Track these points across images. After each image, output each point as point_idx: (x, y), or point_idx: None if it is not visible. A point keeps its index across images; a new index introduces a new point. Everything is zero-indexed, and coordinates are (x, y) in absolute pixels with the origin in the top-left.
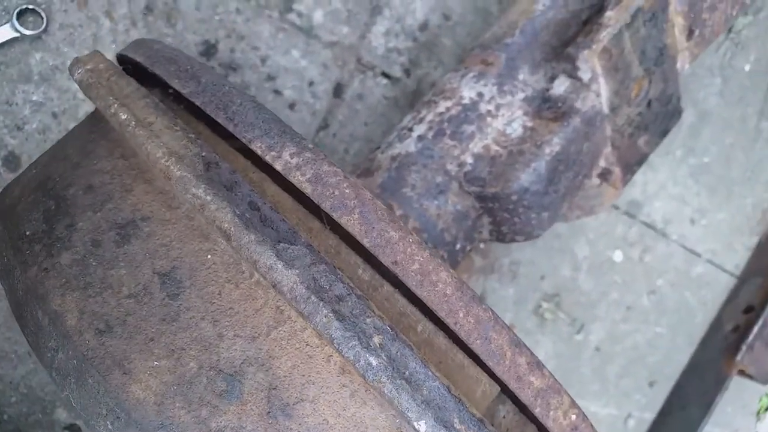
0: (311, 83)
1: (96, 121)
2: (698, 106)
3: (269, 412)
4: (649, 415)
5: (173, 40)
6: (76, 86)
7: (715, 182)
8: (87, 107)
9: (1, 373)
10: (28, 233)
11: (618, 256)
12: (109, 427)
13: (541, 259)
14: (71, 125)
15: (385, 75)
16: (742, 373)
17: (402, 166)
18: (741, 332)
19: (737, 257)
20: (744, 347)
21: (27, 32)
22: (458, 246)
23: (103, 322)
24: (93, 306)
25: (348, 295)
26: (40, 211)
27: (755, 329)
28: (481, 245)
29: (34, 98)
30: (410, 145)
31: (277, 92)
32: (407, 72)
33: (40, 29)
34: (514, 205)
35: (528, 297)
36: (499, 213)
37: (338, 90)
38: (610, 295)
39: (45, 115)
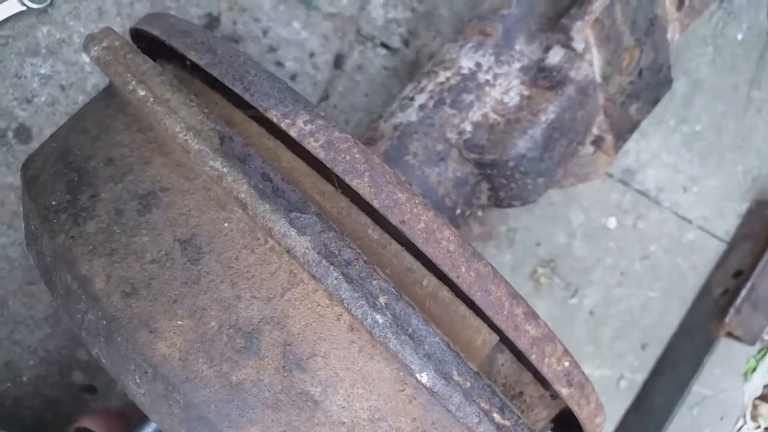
0: (312, 54)
1: (112, 95)
2: (691, 76)
3: (284, 366)
4: (641, 376)
5: (176, 13)
6: (83, 59)
7: (707, 150)
8: (94, 80)
9: (19, 337)
10: (53, 203)
11: (612, 222)
12: (138, 381)
13: (537, 227)
14: (79, 98)
15: (385, 46)
16: (730, 335)
17: (404, 135)
18: (730, 296)
19: (727, 223)
20: (732, 310)
21: (33, 6)
22: (458, 211)
23: (129, 286)
24: (119, 271)
25: (356, 259)
26: (63, 182)
27: (743, 293)
28: (480, 213)
29: (42, 71)
30: (412, 115)
31: (279, 64)
32: (406, 42)
33: (46, 3)
34: (511, 171)
35: (524, 262)
36: (497, 179)
37: (339, 61)
38: (605, 260)
39: (53, 87)
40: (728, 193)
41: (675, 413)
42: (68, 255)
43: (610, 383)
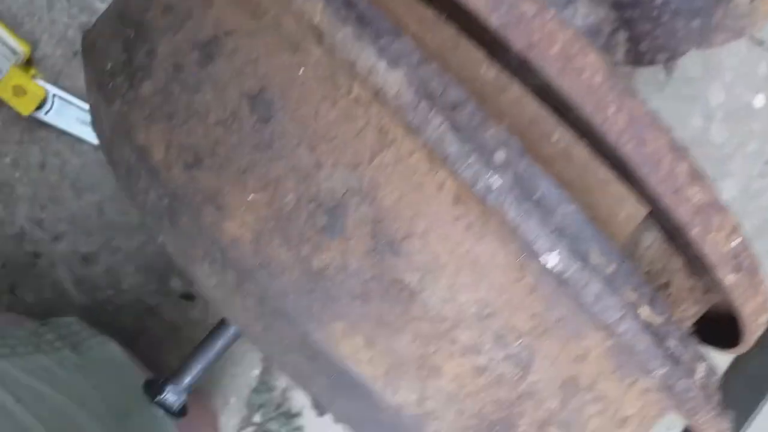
0: None
1: None
2: None
3: (375, 249)
4: None
5: None
6: None
7: None
8: None
9: (117, 244)
10: (109, 66)
11: (759, 100)
12: (207, 270)
13: (669, 108)
14: None
15: None
16: None
17: None
18: None
19: None
20: None
21: None
22: None
23: (192, 154)
24: (179, 137)
25: (465, 100)
26: (119, 41)
27: None
28: None
29: None
30: None
31: None
32: None
33: None
34: (658, 10)
35: None
36: (640, 23)
37: None
38: (747, 146)
39: None
40: None
41: None
42: (124, 123)
43: None
